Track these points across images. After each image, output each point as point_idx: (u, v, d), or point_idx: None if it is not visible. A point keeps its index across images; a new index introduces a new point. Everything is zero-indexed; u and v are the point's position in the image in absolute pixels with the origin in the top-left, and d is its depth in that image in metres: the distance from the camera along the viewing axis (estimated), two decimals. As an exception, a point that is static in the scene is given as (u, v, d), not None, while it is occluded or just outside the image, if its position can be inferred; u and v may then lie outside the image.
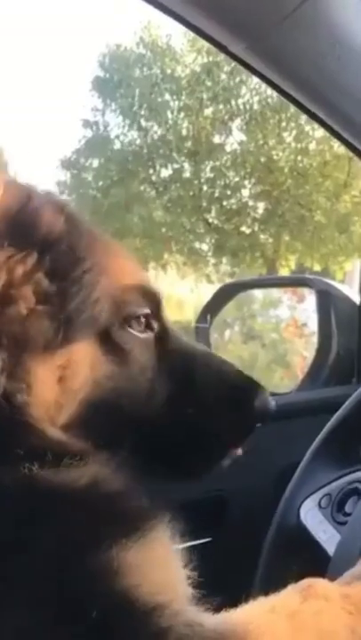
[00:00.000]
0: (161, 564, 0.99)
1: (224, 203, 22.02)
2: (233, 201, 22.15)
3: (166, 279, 21.58)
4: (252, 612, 1.04)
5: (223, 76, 21.07)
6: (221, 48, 1.73)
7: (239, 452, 1.30)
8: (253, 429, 1.30)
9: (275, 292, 5.07)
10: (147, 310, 1.16)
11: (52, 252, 1.07)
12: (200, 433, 1.22)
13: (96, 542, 0.92)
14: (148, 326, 1.17)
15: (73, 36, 34.10)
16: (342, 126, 1.93)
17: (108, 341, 1.10)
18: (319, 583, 1.11)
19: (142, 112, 22.35)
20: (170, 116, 22.15)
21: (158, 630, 0.89)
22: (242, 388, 1.27)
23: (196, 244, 22.40)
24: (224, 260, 22.51)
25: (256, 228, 22.07)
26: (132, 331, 1.14)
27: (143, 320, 1.16)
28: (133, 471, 1.09)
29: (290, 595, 1.08)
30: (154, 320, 1.19)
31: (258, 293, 5.53)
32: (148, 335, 1.17)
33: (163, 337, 1.20)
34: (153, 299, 1.18)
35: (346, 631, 1.06)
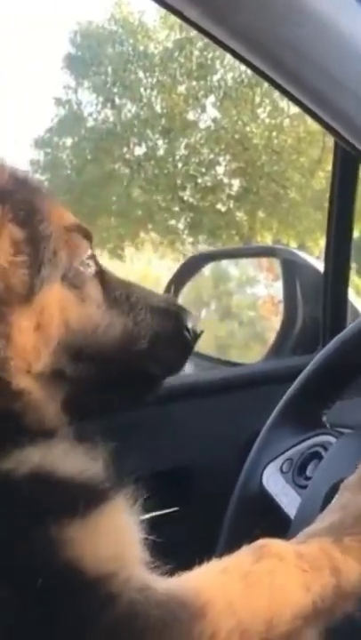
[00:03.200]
0: (111, 535, 1.01)
1: (199, 180, 22.00)
2: (208, 178, 22.13)
3: (143, 258, 21.56)
4: (205, 575, 1.05)
5: (196, 53, 20.97)
6: (177, 13, 1.71)
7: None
8: (192, 348, 1.36)
9: (251, 271, 5.08)
10: (90, 252, 1.22)
11: (12, 203, 1.11)
12: (147, 357, 1.28)
13: (36, 523, 0.95)
14: (90, 264, 1.23)
15: (43, 12, 33.60)
16: (309, 98, 1.90)
17: (68, 284, 1.15)
18: (273, 543, 1.11)
19: (115, 90, 22.23)
20: (143, 93, 22.04)
21: (108, 596, 0.92)
22: (174, 311, 1.34)
23: (172, 223, 22.37)
24: (200, 238, 22.51)
25: (231, 206, 22.09)
26: (84, 269, 1.20)
27: (88, 260, 1.22)
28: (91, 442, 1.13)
29: (243, 555, 1.08)
30: (93, 258, 1.24)
31: (234, 271, 5.56)
32: (93, 271, 1.23)
33: (100, 271, 1.26)
34: (88, 236, 1.24)
35: (300, 589, 1.06)
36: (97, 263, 1.25)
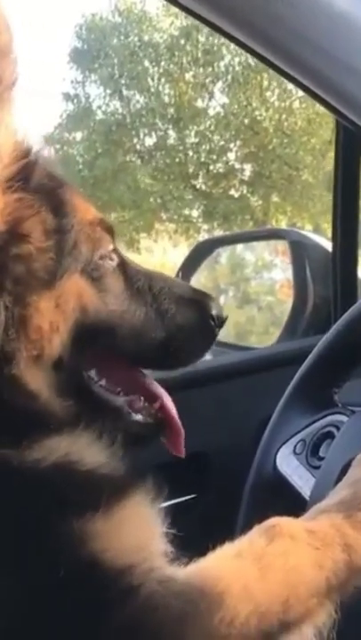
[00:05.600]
0: (132, 528, 1.03)
1: (211, 167, 21.94)
2: (219, 165, 22.07)
3: (159, 248, 21.55)
4: (220, 561, 1.07)
5: (202, 39, 20.85)
6: (174, 2, 1.70)
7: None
8: (217, 335, 1.40)
9: (267, 255, 5.07)
10: (112, 246, 1.28)
11: (46, 194, 1.18)
12: (168, 345, 1.32)
13: (59, 517, 0.97)
14: (112, 257, 1.28)
15: (48, 8, 33.56)
16: (310, 79, 1.87)
17: (88, 275, 1.21)
18: (284, 522, 1.12)
19: (123, 81, 22.18)
20: (151, 83, 21.98)
21: (128, 588, 0.95)
22: (199, 300, 1.38)
23: (186, 211, 22.33)
24: (215, 224, 22.46)
25: (245, 191, 22.00)
26: (104, 263, 1.25)
27: (110, 253, 1.28)
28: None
29: (255, 537, 1.09)
30: (115, 251, 1.30)
31: (250, 257, 5.55)
32: (114, 264, 1.29)
33: (122, 264, 1.31)
34: (111, 231, 1.30)
35: (314, 568, 1.07)
36: (120, 256, 1.31)
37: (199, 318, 1.35)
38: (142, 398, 1.33)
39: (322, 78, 1.79)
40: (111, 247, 1.28)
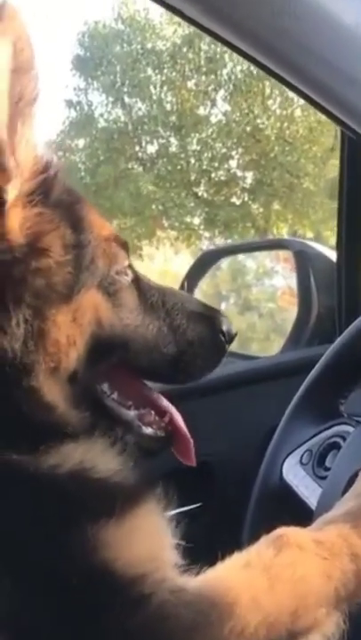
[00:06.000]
0: (144, 537, 1.04)
1: (212, 175, 21.97)
2: (221, 172, 22.10)
3: (160, 256, 21.56)
4: (229, 571, 1.07)
5: (205, 47, 20.89)
6: (177, 12, 1.71)
7: None
8: (226, 351, 1.43)
9: (268, 262, 5.06)
10: (127, 262, 1.31)
11: (65, 210, 1.20)
12: (181, 359, 1.35)
13: (73, 524, 0.98)
14: (127, 272, 1.31)
15: (51, 14, 33.64)
16: (313, 89, 1.87)
17: (104, 290, 1.23)
18: (291, 532, 1.12)
19: (125, 89, 22.22)
20: (153, 90, 22.02)
21: (140, 597, 0.95)
22: (210, 315, 1.41)
23: (188, 218, 22.34)
24: (216, 232, 22.47)
25: (246, 199, 22.02)
26: (119, 278, 1.27)
27: (125, 269, 1.30)
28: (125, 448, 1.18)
29: (263, 547, 1.10)
30: (130, 267, 1.32)
31: (251, 264, 5.54)
32: (129, 279, 1.31)
33: (137, 279, 1.34)
34: (126, 247, 1.33)
35: (322, 578, 1.08)
36: (134, 271, 1.33)
37: (210, 334, 1.38)
38: (153, 412, 1.34)
39: (325, 89, 1.79)
40: (126, 263, 1.30)
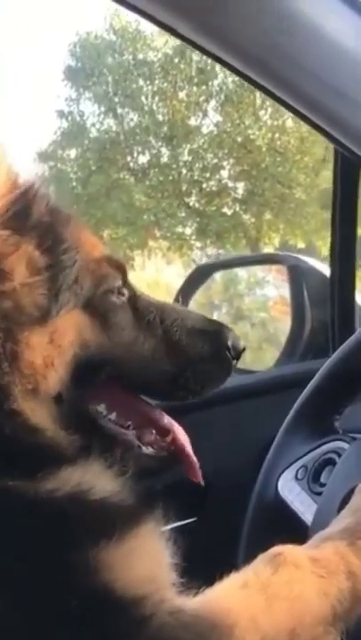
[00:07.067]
0: (144, 558, 1.04)
1: (204, 185, 22.00)
2: (213, 183, 22.13)
3: (152, 266, 21.55)
4: (227, 591, 1.08)
5: (196, 58, 20.95)
6: (169, 30, 1.72)
7: None
8: (233, 366, 1.40)
9: (260, 272, 5.09)
10: (119, 282, 1.29)
11: (41, 232, 1.19)
12: (179, 377, 1.34)
13: (73, 546, 0.98)
14: (121, 292, 1.30)
15: (42, 25, 33.64)
16: (304, 105, 1.89)
17: (91, 310, 1.23)
18: (288, 550, 1.13)
19: (117, 99, 22.25)
20: (145, 101, 22.07)
21: (140, 618, 0.95)
22: (214, 331, 1.39)
23: (179, 229, 22.36)
24: (208, 242, 22.49)
25: (237, 209, 22.05)
26: (110, 298, 1.27)
27: (117, 289, 1.29)
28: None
29: (260, 566, 1.11)
30: (124, 286, 1.31)
31: (243, 274, 5.57)
32: (123, 299, 1.30)
33: (133, 298, 1.33)
34: (120, 267, 1.31)
35: (319, 596, 1.08)
36: (131, 290, 1.33)
37: (213, 349, 1.36)
38: (154, 431, 1.33)
39: (315, 104, 1.82)
40: (119, 283, 1.29)
